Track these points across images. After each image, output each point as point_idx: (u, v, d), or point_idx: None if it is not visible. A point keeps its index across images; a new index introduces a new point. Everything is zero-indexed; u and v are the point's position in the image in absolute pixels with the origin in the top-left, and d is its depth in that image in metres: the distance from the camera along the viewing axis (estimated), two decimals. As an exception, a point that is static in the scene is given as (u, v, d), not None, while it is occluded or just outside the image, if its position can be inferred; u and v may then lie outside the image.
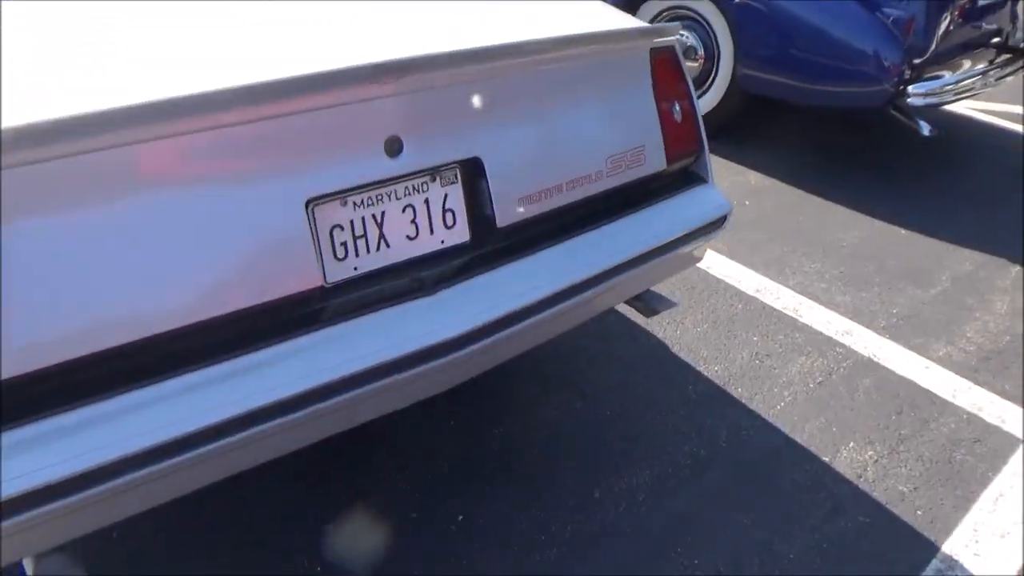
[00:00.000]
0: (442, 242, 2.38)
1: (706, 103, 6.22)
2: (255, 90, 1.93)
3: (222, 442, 1.92)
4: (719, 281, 4.41)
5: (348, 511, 2.84)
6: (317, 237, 2.13)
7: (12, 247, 1.63)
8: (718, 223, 3.01)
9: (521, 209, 2.48)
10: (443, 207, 2.35)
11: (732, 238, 4.88)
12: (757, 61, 5.80)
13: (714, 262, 4.60)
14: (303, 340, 2.08)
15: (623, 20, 2.87)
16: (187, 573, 2.57)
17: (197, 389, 1.92)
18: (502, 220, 2.43)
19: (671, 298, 3.14)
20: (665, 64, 2.87)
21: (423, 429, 3.22)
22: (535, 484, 2.99)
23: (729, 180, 5.75)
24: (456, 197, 2.37)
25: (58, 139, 1.66)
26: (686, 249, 2.92)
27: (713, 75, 6.16)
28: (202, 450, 1.90)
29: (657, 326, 3.97)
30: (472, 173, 2.37)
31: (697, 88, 6.34)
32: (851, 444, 3.29)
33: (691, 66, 6.27)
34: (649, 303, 3.11)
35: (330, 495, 2.90)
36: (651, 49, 2.80)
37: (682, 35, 6.30)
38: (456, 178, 2.36)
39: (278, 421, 1.98)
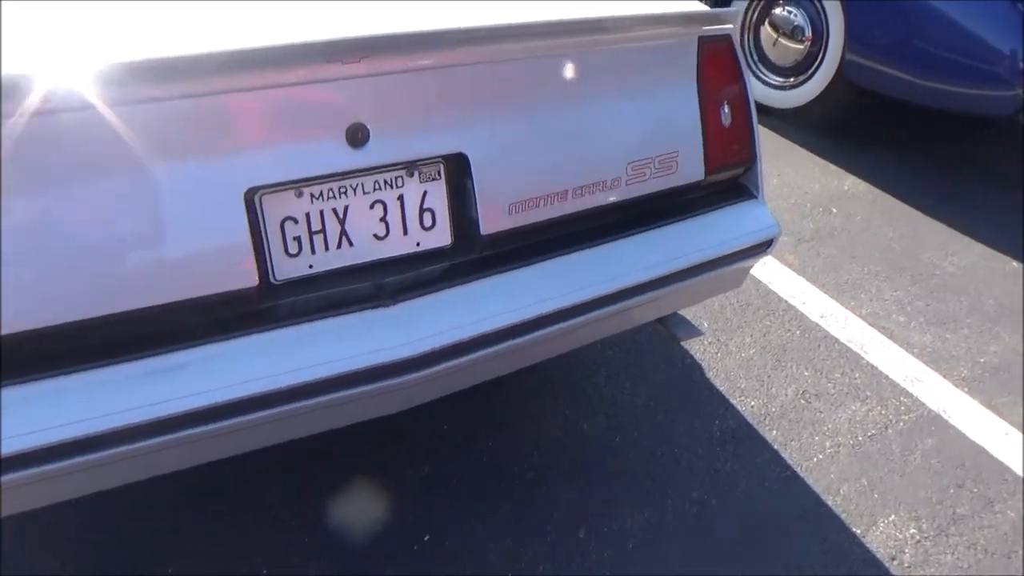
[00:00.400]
0: (417, 244, 2.10)
1: (806, 92, 5.60)
2: (195, 62, 1.69)
3: (123, 448, 1.75)
4: (780, 300, 3.94)
5: (314, 507, 2.67)
6: (264, 230, 1.89)
7: None
8: (760, 247, 2.60)
9: (513, 215, 2.16)
10: (420, 206, 2.07)
11: (807, 250, 4.37)
12: (869, 48, 5.13)
13: (778, 276, 4.13)
14: (232, 344, 1.87)
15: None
16: None
17: (106, 385, 1.75)
18: (487, 226, 2.13)
19: (698, 327, 2.76)
20: (717, 57, 2.44)
21: (414, 425, 3.00)
22: (518, 510, 2.72)
23: (819, 182, 5.17)
24: (437, 196, 2.08)
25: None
26: (718, 273, 2.53)
27: (819, 60, 5.52)
28: (99, 455, 1.73)
29: (697, 344, 3.58)
30: (459, 170, 2.07)
31: (799, 74, 5.71)
32: (892, 517, 2.84)
33: (795, 48, 5.65)
34: (671, 328, 2.75)
35: (301, 487, 2.73)
36: (700, 37, 2.39)
37: (789, 11, 5.66)
38: (439, 175, 2.06)
39: (187, 432, 1.79)
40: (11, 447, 1.60)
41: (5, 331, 1.64)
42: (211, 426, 1.80)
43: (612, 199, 2.31)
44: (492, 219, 2.12)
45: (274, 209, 1.89)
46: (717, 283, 2.64)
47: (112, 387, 1.73)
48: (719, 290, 2.77)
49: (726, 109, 2.49)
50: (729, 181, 2.65)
